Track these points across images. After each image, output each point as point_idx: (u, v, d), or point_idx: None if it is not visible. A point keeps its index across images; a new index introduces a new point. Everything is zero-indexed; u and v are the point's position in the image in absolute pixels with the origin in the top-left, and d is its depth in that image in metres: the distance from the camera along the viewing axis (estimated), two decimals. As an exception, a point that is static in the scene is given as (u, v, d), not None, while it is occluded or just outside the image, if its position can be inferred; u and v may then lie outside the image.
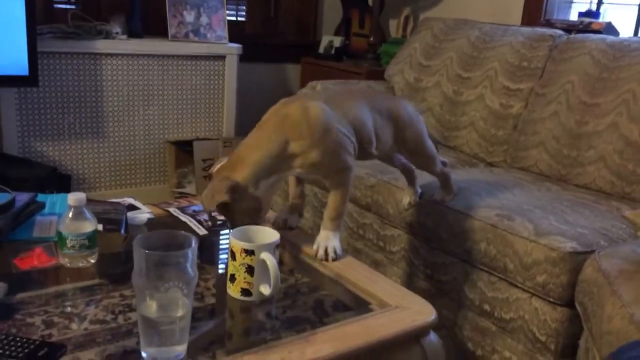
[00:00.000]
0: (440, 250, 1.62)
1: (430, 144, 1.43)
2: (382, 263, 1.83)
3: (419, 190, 1.65)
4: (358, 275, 1.15)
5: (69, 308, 0.96)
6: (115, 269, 1.10)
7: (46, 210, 1.28)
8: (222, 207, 1.12)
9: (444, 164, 1.54)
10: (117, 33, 2.44)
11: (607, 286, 1.11)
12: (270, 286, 1.00)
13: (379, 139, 1.30)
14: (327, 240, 1.19)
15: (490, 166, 2.11)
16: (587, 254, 1.30)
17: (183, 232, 0.86)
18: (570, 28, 2.23)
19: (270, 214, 1.40)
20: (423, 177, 1.71)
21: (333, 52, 3.05)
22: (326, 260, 1.18)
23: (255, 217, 1.15)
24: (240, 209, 1.13)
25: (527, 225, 1.41)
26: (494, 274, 1.47)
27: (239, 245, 1.00)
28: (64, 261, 1.08)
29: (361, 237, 1.91)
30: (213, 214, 1.29)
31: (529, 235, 1.38)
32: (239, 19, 3.13)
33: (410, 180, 1.61)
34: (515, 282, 1.41)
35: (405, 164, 1.53)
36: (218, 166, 1.16)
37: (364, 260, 1.88)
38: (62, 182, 2.31)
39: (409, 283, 1.73)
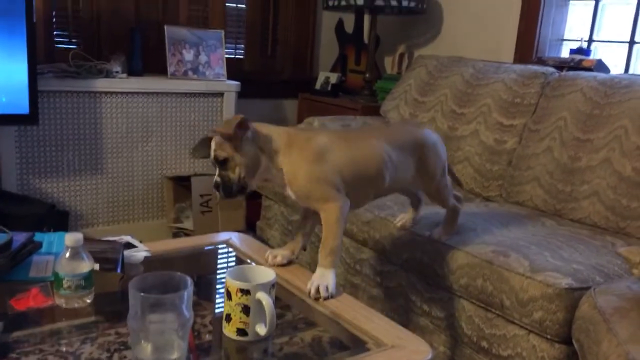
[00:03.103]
0: (436, 286, 1.62)
1: (446, 175, 1.47)
2: (379, 298, 1.82)
3: (418, 217, 1.67)
4: (354, 313, 1.15)
5: (64, 347, 0.96)
6: (111, 307, 1.11)
7: (43, 249, 1.28)
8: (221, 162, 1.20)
9: (458, 199, 1.56)
10: (117, 72, 2.48)
11: (602, 323, 1.11)
12: (266, 326, 1.00)
13: (397, 175, 1.34)
14: (321, 278, 1.20)
15: (486, 201, 2.12)
16: (583, 291, 1.30)
17: (179, 273, 0.87)
18: (561, 65, 2.27)
19: (265, 249, 1.41)
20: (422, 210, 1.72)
21: (329, 88, 3.09)
22: (317, 299, 1.18)
23: (248, 178, 1.22)
24: (242, 155, 1.19)
25: (523, 261, 1.42)
26: (490, 310, 1.47)
27: (234, 284, 1.01)
28: (60, 302, 1.08)
29: (358, 273, 1.91)
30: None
31: (524, 272, 1.39)
32: (237, 56, 3.19)
33: (415, 204, 1.65)
34: (512, 318, 1.41)
35: (416, 191, 1.56)
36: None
37: (361, 296, 1.88)
38: (60, 219, 2.32)
39: (406, 319, 1.72)
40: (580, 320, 1.23)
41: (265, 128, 1.24)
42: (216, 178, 1.22)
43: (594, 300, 1.21)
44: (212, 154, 1.21)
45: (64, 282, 1.06)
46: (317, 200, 1.24)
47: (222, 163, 1.20)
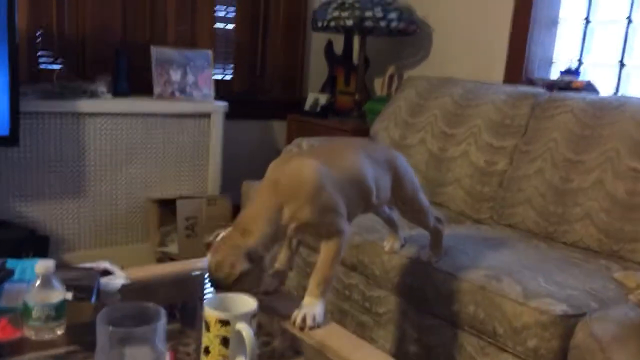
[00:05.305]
0: (428, 313, 1.57)
1: (423, 196, 1.43)
2: (368, 325, 1.77)
3: (403, 238, 1.64)
4: (341, 342, 1.10)
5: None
6: (86, 338, 1.05)
7: (16, 276, 1.22)
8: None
9: (439, 220, 1.52)
10: (102, 92, 2.44)
11: (599, 353, 1.07)
12: (246, 359, 0.94)
13: (379, 189, 1.29)
14: (309, 307, 1.14)
15: (477, 223, 2.09)
16: (578, 317, 1.26)
17: (152, 304, 0.82)
18: (551, 86, 2.26)
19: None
20: (410, 234, 1.68)
21: (319, 109, 3.07)
22: (302, 328, 1.12)
23: (253, 287, 1.10)
24: (246, 283, 1.08)
25: (516, 286, 1.38)
26: (483, 338, 1.42)
27: (213, 315, 0.95)
28: (30, 333, 1.02)
29: (347, 298, 1.86)
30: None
31: (517, 298, 1.34)
32: (226, 77, 3.16)
33: (394, 229, 1.62)
34: (506, 346, 1.36)
35: (389, 215, 1.52)
36: (220, 236, 1.12)
37: (350, 322, 1.83)
38: (40, 244, 2.25)
39: (397, 347, 1.67)
40: (575, 350, 1.18)
41: (254, 213, 1.12)
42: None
43: (589, 327, 1.17)
44: (208, 273, 1.09)
45: (33, 312, 1.00)
46: (324, 231, 1.17)
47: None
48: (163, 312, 0.79)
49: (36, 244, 2.19)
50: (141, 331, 0.76)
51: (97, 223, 2.51)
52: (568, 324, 1.26)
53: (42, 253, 2.19)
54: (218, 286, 1.09)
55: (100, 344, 0.75)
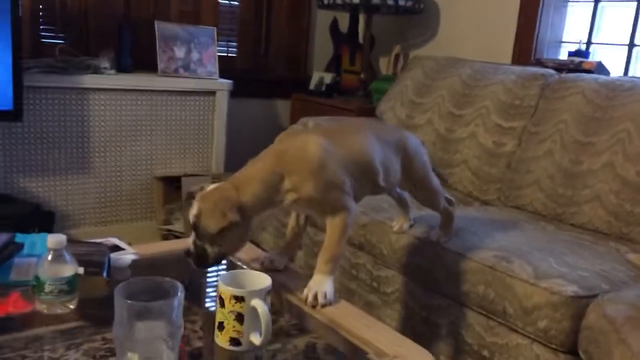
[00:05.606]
0: (436, 293, 1.57)
1: (434, 177, 1.42)
2: (376, 305, 1.77)
3: (412, 219, 1.63)
4: (352, 320, 1.09)
5: (48, 352, 0.90)
6: (97, 313, 1.04)
7: (25, 251, 1.21)
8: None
9: (449, 202, 1.50)
10: (105, 68, 2.41)
11: (613, 334, 1.07)
12: (261, 335, 0.94)
13: (388, 171, 1.27)
14: (319, 285, 1.14)
15: (485, 205, 2.08)
16: (590, 299, 1.26)
17: (168, 278, 0.81)
18: (560, 67, 2.23)
19: (259, 253, 1.35)
20: (419, 214, 1.68)
21: (324, 88, 3.04)
22: (314, 306, 1.12)
23: (233, 251, 1.12)
24: (229, 237, 1.07)
25: (526, 267, 1.37)
26: (492, 318, 1.42)
27: (228, 291, 0.94)
28: (42, 307, 1.01)
29: (354, 278, 1.86)
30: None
31: (528, 278, 1.34)
32: (229, 54, 3.13)
33: (404, 209, 1.61)
34: (516, 327, 1.36)
35: (401, 194, 1.51)
36: (208, 188, 1.10)
37: (357, 302, 1.83)
38: (45, 220, 2.24)
39: (404, 326, 1.67)
40: (587, 330, 1.18)
41: (252, 174, 1.10)
42: (190, 245, 1.09)
43: (602, 308, 1.16)
44: (193, 219, 1.06)
45: (45, 286, 1.00)
46: (328, 208, 1.16)
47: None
48: (180, 287, 0.78)
49: (41, 219, 2.18)
50: (158, 305, 0.76)
51: (102, 200, 2.50)
52: (579, 304, 1.25)
53: (47, 229, 2.19)
54: (203, 235, 1.07)
55: (117, 318, 0.75)
